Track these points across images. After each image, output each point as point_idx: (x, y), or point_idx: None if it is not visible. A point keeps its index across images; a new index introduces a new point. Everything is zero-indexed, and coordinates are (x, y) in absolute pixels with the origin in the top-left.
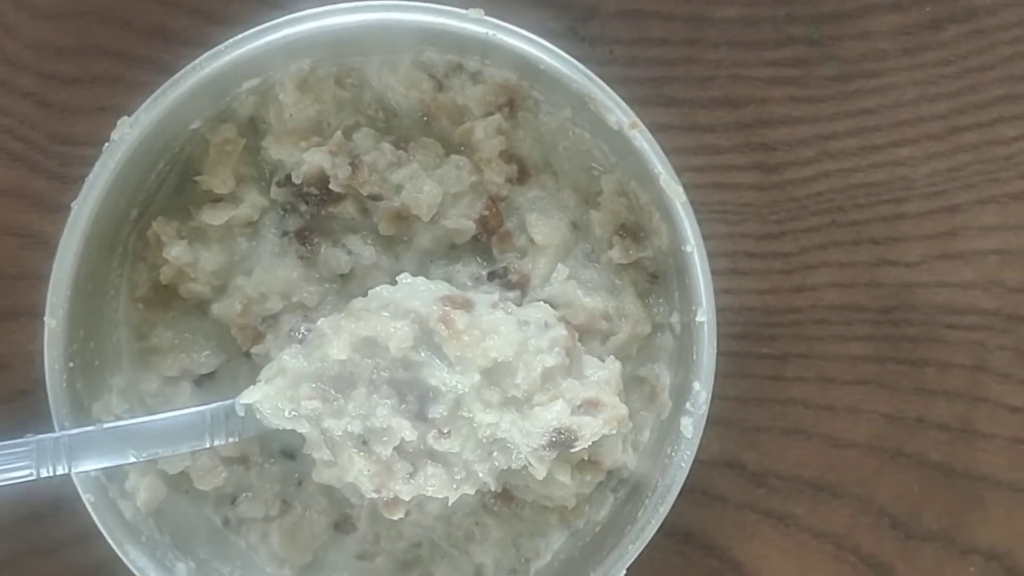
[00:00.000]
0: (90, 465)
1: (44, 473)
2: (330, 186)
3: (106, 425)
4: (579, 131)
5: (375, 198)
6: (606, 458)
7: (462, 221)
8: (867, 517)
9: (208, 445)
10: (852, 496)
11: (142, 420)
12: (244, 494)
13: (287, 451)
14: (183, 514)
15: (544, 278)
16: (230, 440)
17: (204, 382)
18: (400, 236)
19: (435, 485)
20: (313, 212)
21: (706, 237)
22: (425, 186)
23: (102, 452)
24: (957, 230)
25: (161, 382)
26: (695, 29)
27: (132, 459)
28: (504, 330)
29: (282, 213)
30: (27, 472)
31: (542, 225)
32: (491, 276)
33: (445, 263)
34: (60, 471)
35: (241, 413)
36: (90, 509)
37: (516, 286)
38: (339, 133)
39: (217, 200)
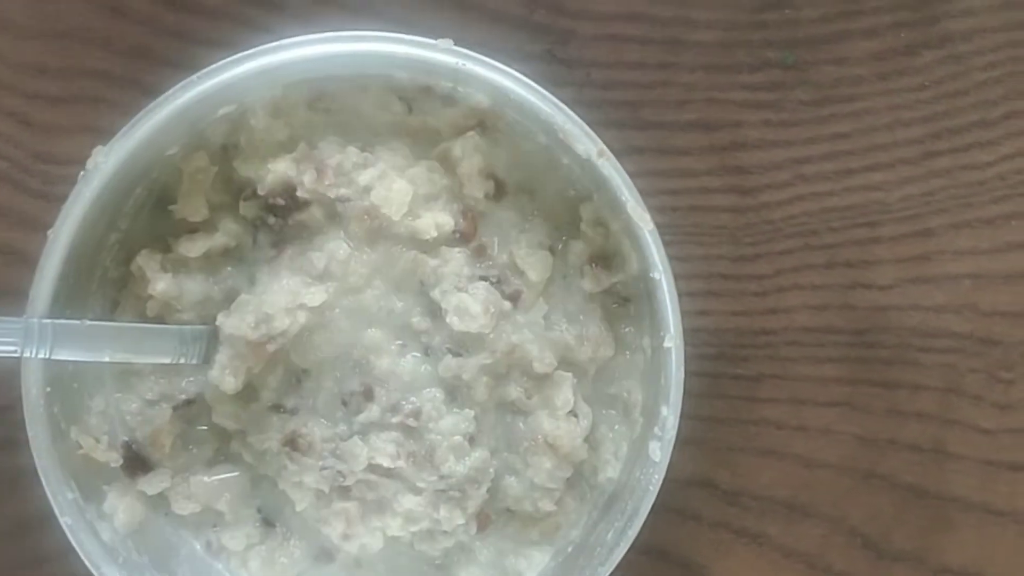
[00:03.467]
0: (69, 355)
1: (27, 353)
2: (297, 193)
3: (88, 322)
4: (557, 156)
5: (342, 200)
6: (563, 442)
7: (440, 215)
8: (839, 537)
9: (176, 361)
10: (824, 516)
11: (123, 324)
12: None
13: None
14: (162, 535)
15: (529, 308)
16: (194, 361)
17: (182, 408)
18: (369, 239)
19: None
20: (281, 224)
21: (681, 259)
22: (395, 184)
23: (82, 345)
24: (930, 254)
25: (142, 404)
26: (671, 53)
27: (107, 358)
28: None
29: (253, 231)
30: (12, 348)
31: (533, 260)
32: (482, 279)
33: (434, 254)
34: (42, 354)
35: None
36: (67, 532)
37: (510, 299)
38: (303, 143)
39: (193, 230)
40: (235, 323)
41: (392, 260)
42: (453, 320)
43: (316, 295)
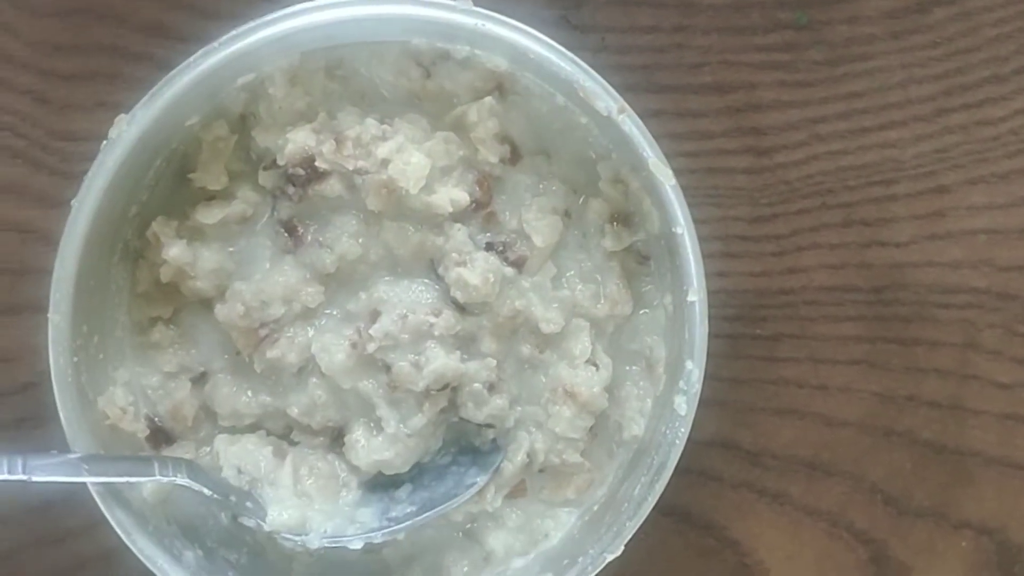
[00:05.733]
0: (49, 478)
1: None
2: (315, 164)
3: (68, 455)
4: (574, 117)
5: (361, 172)
6: (582, 390)
7: (455, 192)
8: (860, 495)
9: (156, 478)
10: (845, 474)
11: (98, 455)
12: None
13: None
14: (190, 504)
15: (534, 272)
16: (178, 477)
17: (200, 380)
18: (388, 212)
19: None
20: (300, 194)
21: (699, 221)
22: (412, 158)
23: (60, 470)
24: (946, 210)
25: (162, 377)
26: (685, 16)
27: (87, 477)
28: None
29: (272, 200)
30: None
31: (541, 225)
32: (489, 246)
33: (438, 232)
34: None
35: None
36: (98, 499)
37: (514, 265)
38: (323, 113)
39: (211, 198)
40: (227, 311)
41: (403, 240)
42: (457, 294)
43: (314, 296)
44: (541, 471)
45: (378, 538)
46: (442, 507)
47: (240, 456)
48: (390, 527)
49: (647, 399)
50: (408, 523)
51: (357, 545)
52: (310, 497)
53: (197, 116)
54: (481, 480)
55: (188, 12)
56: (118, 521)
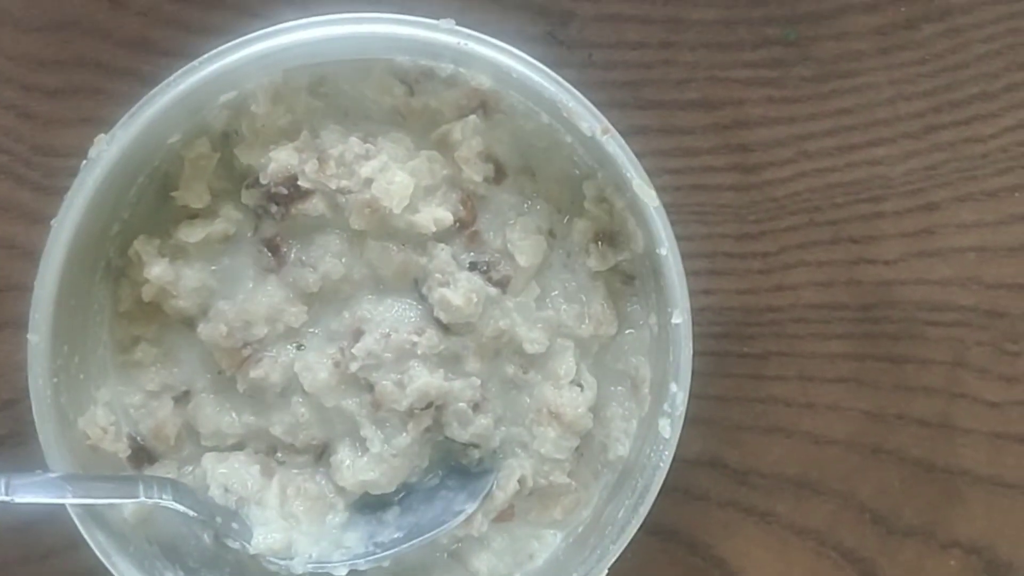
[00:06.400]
0: (31, 498)
1: None
2: (299, 183)
3: (50, 475)
4: (559, 136)
5: (344, 191)
6: (567, 410)
7: (439, 211)
8: (849, 513)
9: (141, 500)
10: (834, 493)
11: (81, 475)
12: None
13: None
14: (172, 524)
15: (518, 292)
16: (163, 498)
17: (183, 399)
18: (371, 231)
19: None
20: (283, 213)
21: (685, 238)
22: (396, 177)
23: (43, 490)
24: (935, 228)
25: (144, 396)
26: (672, 32)
27: (71, 499)
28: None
29: (255, 219)
30: None
31: (525, 245)
32: (472, 266)
33: (422, 251)
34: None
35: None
36: (77, 521)
37: (498, 284)
38: (306, 131)
39: (194, 216)
40: (210, 330)
41: (386, 260)
42: (440, 314)
43: (297, 315)
44: (529, 494)
45: (363, 565)
46: (429, 534)
47: (228, 475)
48: (376, 553)
49: (632, 419)
50: (394, 550)
51: (342, 571)
52: (297, 519)
53: (179, 134)
54: (470, 507)
55: (173, 27)
56: (98, 543)
